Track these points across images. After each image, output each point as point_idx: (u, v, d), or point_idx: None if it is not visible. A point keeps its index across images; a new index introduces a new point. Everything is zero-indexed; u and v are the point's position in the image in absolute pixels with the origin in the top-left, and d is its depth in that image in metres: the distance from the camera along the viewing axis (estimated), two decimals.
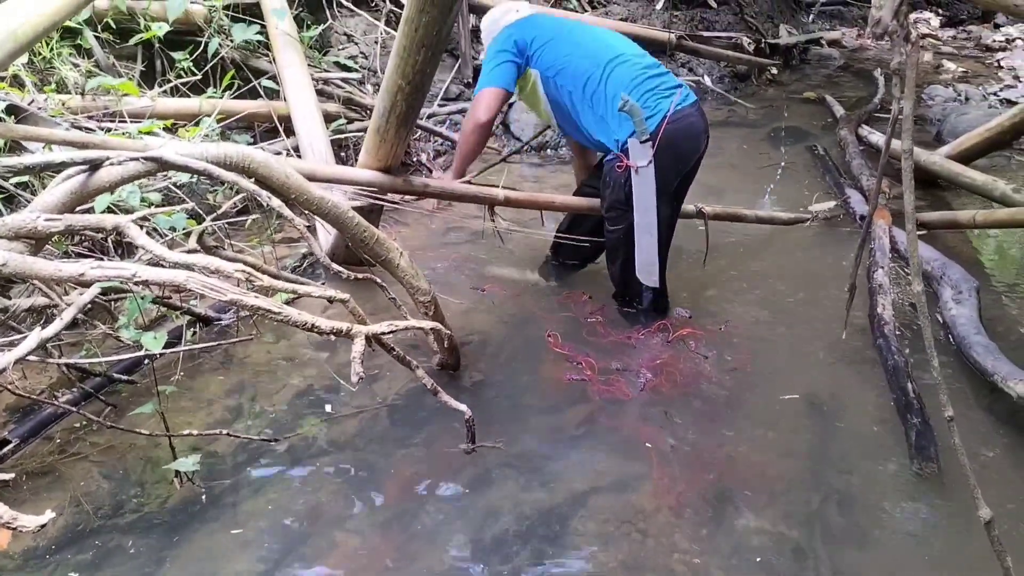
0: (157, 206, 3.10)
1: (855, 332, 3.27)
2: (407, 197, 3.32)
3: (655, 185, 3.06)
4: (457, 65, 6.02)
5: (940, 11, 10.90)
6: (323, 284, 3.32)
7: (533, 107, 3.49)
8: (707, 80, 7.35)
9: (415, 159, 5.22)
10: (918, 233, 3.49)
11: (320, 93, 4.69)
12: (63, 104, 3.88)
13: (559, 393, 2.96)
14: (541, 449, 2.66)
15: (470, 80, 6.04)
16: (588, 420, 2.81)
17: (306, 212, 2.63)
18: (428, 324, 2.45)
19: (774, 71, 7.99)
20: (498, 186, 3.46)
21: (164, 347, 2.47)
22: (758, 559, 2.21)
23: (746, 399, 2.93)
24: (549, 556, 2.21)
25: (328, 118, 4.61)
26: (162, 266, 1.94)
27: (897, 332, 3.15)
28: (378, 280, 2.50)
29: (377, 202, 3.27)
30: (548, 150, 5.87)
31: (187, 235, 2.98)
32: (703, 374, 3.05)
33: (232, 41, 4.58)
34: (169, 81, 4.54)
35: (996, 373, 2.78)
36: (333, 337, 2.03)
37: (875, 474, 2.53)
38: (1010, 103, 6.72)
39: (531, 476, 2.53)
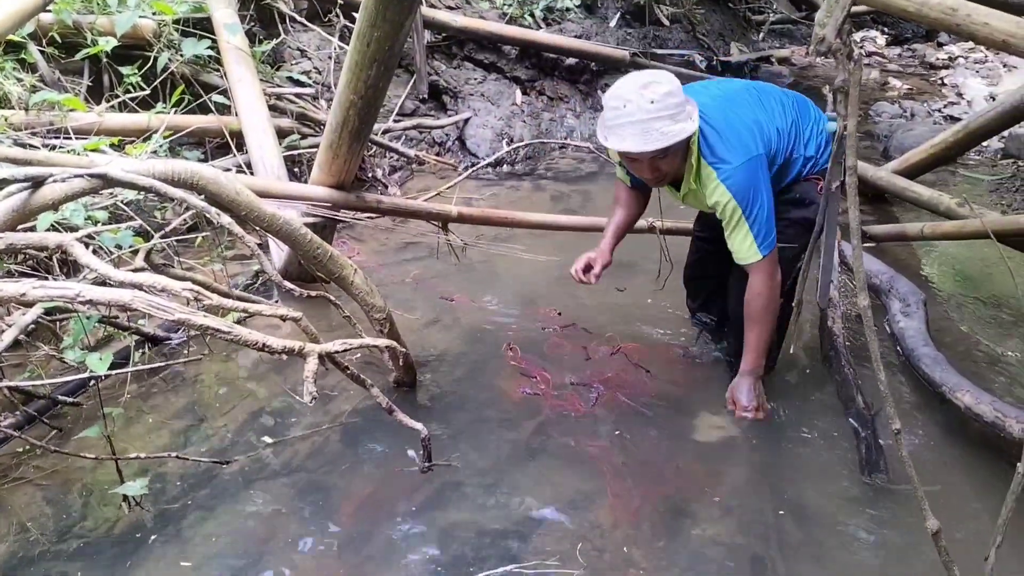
0: (104, 224, 3.02)
1: (806, 346, 3.32)
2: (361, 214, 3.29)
3: None
4: (412, 80, 6.00)
5: (886, 30, 11.20)
6: (276, 302, 3.28)
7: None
8: None
9: (370, 175, 5.19)
10: (868, 246, 3.53)
11: (273, 108, 4.64)
12: (6, 120, 3.78)
13: (514, 408, 2.94)
14: (497, 466, 2.64)
15: (425, 96, 6.03)
16: (543, 435, 2.80)
17: (257, 229, 2.59)
18: (383, 342, 2.43)
19: None
20: (451, 202, 3.45)
21: (110, 368, 2.41)
22: (715, 570, 2.21)
23: (696, 412, 2.94)
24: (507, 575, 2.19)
25: (281, 133, 4.56)
26: (108, 285, 1.90)
27: (847, 344, 3.20)
28: (331, 298, 2.47)
29: (331, 219, 3.24)
30: (504, 166, 5.87)
31: (135, 253, 2.92)
32: (652, 389, 3.06)
33: (182, 56, 4.52)
34: (117, 96, 4.45)
35: (944, 384, 2.81)
36: (285, 356, 2.00)
37: (828, 485, 2.56)
38: (953, 119, 6.89)
39: (488, 494, 2.51)
